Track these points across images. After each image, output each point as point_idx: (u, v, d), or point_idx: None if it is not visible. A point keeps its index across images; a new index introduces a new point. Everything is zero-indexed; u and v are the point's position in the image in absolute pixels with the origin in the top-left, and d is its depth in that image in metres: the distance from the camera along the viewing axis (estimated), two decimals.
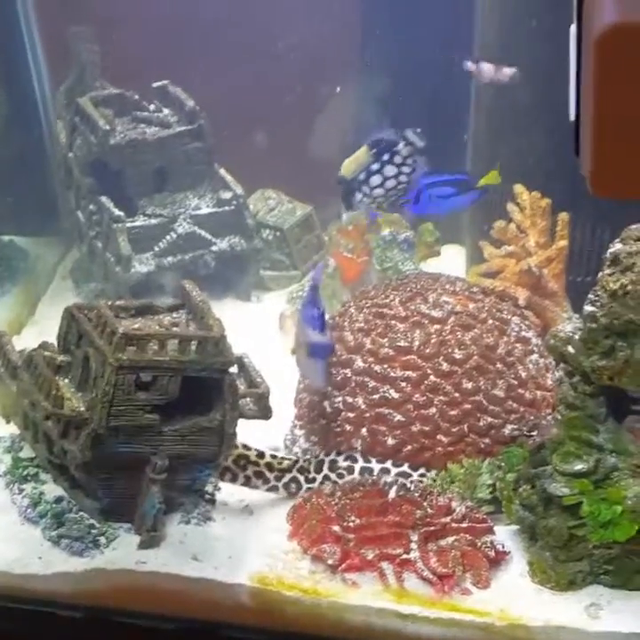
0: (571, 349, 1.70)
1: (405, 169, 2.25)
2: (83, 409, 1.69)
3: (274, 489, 1.99)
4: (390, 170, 2.24)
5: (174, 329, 1.70)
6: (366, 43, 2.85)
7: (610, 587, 1.72)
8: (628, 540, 1.67)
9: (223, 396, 1.72)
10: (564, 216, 2.19)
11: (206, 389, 1.73)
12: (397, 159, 2.24)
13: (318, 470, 2.00)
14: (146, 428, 1.71)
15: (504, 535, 1.83)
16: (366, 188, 2.25)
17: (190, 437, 1.75)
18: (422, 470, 1.97)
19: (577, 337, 1.68)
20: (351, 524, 1.79)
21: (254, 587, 1.76)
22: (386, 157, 2.24)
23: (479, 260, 2.43)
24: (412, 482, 1.89)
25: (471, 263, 2.65)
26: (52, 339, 2.00)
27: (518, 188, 2.24)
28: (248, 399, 1.78)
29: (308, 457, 2.03)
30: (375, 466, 1.98)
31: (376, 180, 2.25)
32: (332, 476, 1.99)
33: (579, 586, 1.73)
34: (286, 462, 2.00)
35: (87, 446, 1.71)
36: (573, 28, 1.06)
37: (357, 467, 1.99)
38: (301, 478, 2.00)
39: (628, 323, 1.56)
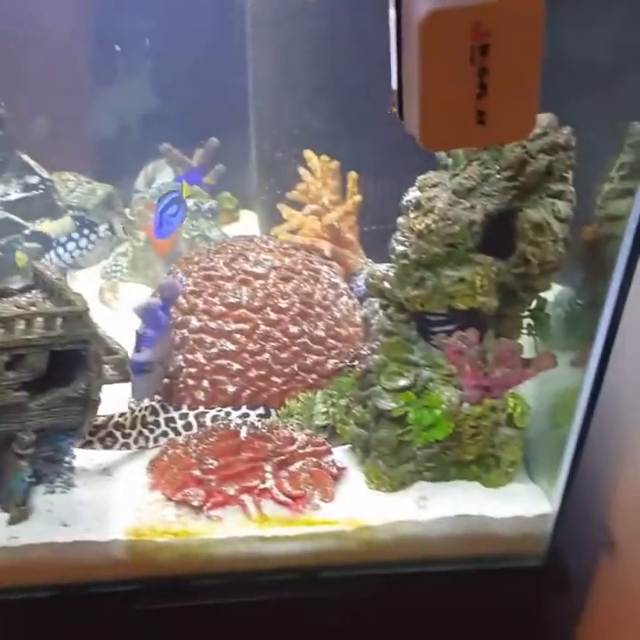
0: (386, 285, 1.94)
1: (93, 247, 2.73)
2: None
3: (89, 444, 2.06)
4: (83, 243, 2.70)
5: (32, 308, 1.76)
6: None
7: (432, 481, 1.95)
8: (445, 438, 1.90)
9: (86, 365, 1.81)
10: (353, 174, 2.44)
11: (68, 360, 1.80)
12: (93, 237, 2.72)
13: (133, 426, 2.10)
14: (14, 406, 1.76)
15: (341, 454, 2.04)
16: (61, 249, 2.67)
17: (55, 409, 1.82)
18: (261, 409, 2.17)
19: (391, 274, 1.93)
20: (210, 467, 1.94)
21: (127, 540, 1.84)
22: (85, 232, 2.71)
23: (272, 221, 2.65)
24: (259, 421, 2.09)
25: (265, 224, 2.86)
26: None
27: (308, 154, 2.46)
28: (107, 366, 1.89)
29: (124, 413, 2.11)
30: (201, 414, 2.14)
31: (71, 246, 2.68)
32: (145, 430, 2.11)
33: (408, 485, 1.94)
34: (101, 419, 2.06)
35: None
36: (393, 13, 1.31)
37: (162, 419, 2.12)
38: (118, 434, 2.09)
39: (434, 256, 1.81)
